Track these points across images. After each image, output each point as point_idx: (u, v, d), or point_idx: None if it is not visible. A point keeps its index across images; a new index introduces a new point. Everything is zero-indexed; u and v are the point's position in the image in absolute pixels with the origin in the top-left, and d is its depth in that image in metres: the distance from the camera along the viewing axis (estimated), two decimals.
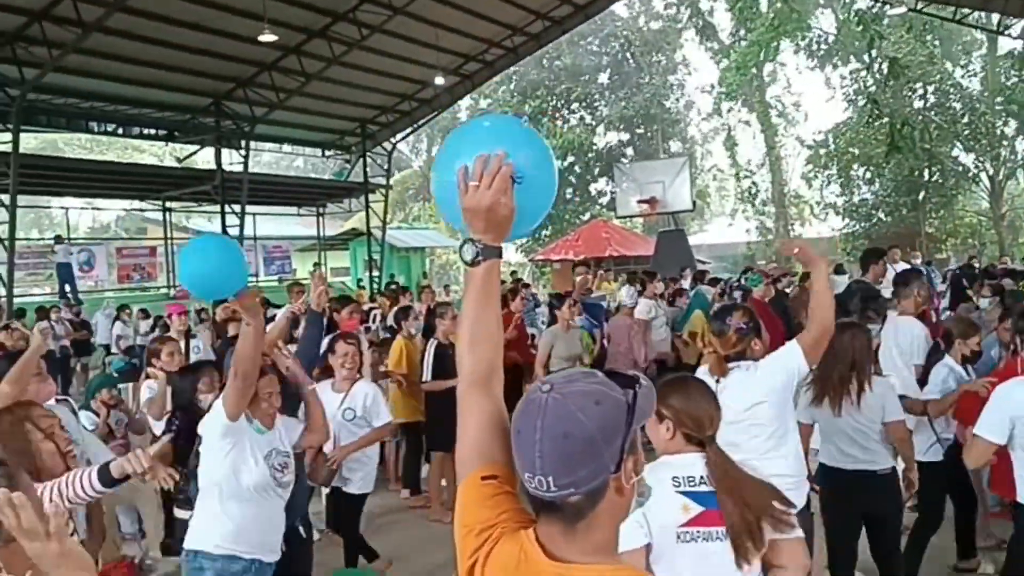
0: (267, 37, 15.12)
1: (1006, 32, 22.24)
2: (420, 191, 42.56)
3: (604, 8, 22.44)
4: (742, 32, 34.57)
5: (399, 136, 24.89)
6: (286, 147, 28.24)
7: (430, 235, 33.32)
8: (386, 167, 24.58)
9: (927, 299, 5.87)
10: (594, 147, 38.43)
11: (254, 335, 3.20)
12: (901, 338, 5.20)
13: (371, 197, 23.96)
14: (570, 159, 37.50)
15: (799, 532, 2.42)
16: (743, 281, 10.63)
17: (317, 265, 23.95)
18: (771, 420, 3.40)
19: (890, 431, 4.05)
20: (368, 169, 23.43)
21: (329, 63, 17.91)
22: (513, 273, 21.85)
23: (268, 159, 42.91)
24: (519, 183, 1.60)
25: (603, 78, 39.54)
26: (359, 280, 24.50)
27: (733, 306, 4.11)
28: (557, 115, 38.69)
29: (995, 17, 20.04)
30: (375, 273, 23.88)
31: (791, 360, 3.38)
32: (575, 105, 39.32)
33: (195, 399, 4.25)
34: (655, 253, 20.68)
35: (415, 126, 24.76)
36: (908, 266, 10.76)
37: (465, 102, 35.87)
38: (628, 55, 38.75)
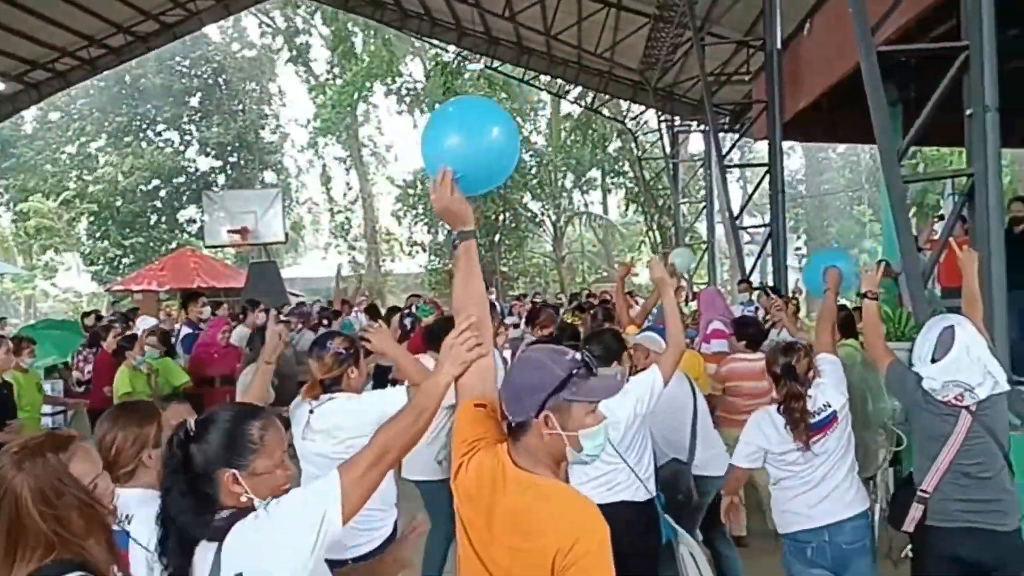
0: None
1: (565, 96, 25.37)
2: None
3: (194, 30, 21.46)
4: (337, 70, 35.43)
5: None
6: None
7: None
8: None
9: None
10: (184, 171, 36.58)
11: None
12: None
13: None
14: (155, 183, 35.31)
15: None
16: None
17: None
18: None
19: None
20: None
21: None
22: (96, 314, 19.13)
23: None
24: (459, 179, 2.21)
25: (194, 101, 37.91)
26: None
27: (335, 332, 4.11)
28: (142, 135, 36.34)
29: (558, 82, 22.73)
30: None
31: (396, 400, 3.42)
32: (162, 127, 37.19)
33: None
34: (246, 285, 20.14)
35: None
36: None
37: (31, 113, 32.26)
38: (221, 80, 37.60)
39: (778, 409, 3.72)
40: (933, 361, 3.38)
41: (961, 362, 3.32)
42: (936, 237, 8.24)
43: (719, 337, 7.21)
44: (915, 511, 3.44)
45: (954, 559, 3.36)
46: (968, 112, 6.19)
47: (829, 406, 3.73)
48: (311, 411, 3.44)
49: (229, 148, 37.19)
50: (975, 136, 6.12)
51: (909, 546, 3.56)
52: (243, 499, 1.97)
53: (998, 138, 6.06)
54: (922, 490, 3.42)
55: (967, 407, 3.35)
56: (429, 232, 35.50)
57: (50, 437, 2.03)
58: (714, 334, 7.35)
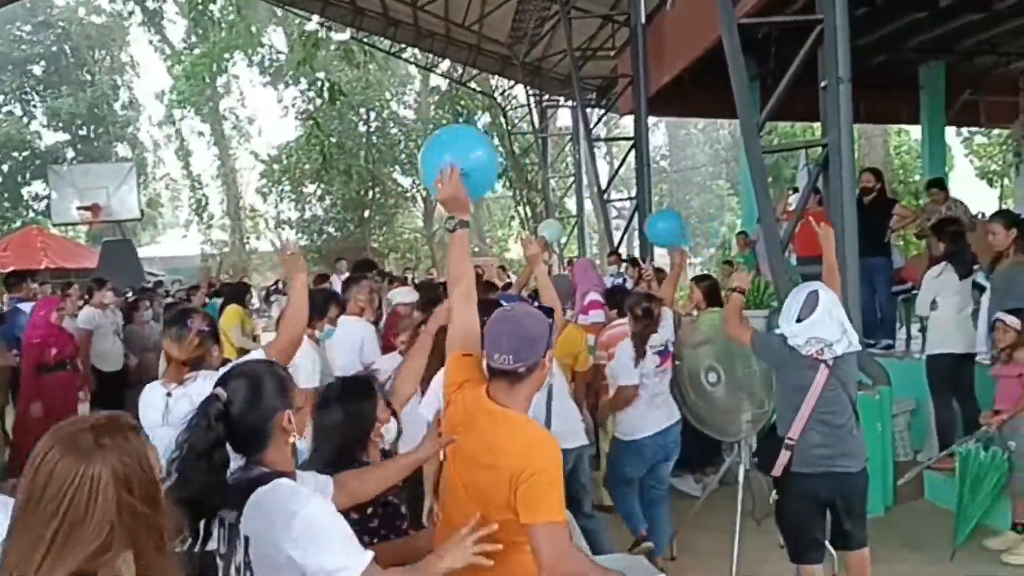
0: None
1: (433, 70, 25.07)
2: None
3: None
4: (194, 39, 33.79)
5: None
6: None
7: None
8: None
9: (369, 303, 6.27)
10: (29, 145, 34.21)
11: None
12: (347, 338, 5.43)
13: None
14: None
15: None
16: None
17: None
18: None
19: None
20: None
21: None
22: None
23: None
24: (467, 176, 2.69)
25: (37, 70, 35.44)
26: None
27: (192, 310, 3.92)
28: None
29: (427, 55, 22.35)
30: None
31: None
32: (1, 98, 34.64)
33: None
34: (99, 264, 19.10)
35: None
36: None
37: None
38: (67, 48, 35.26)
39: (631, 339, 4.95)
40: (799, 321, 3.76)
41: (823, 321, 3.73)
42: (792, 208, 8.55)
43: (596, 308, 7.29)
44: (783, 457, 3.88)
45: (813, 498, 3.89)
46: (823, 84, 6.43)
47: (670, 342, 5.18)
48: (169, 394, 3.24)
49: (79, 121, 35.03)
50: (829, 107, 6.36)
51: (773, 493, 4.01)
52: (291, 439, 2.17)
53: (851, 109, 6.32)
54: (789, 438, 3.87)
55: (825, 361, 3.79)
56: (296, 209, 34.45)
57: (117, 417, 1.51)
58: (591, 305, 7.43)
